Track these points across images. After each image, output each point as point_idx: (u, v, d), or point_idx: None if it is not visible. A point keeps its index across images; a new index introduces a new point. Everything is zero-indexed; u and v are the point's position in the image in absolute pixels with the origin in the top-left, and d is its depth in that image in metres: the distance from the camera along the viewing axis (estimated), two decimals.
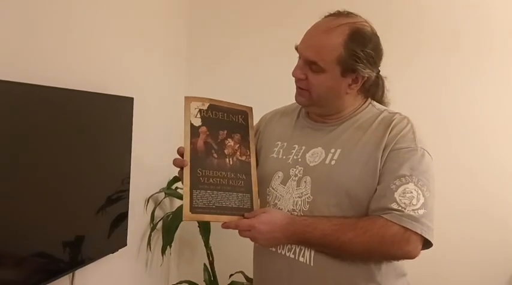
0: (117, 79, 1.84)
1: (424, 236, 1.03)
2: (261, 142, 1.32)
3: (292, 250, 1.14)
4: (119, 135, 1.72)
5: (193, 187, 1.12)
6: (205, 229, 2.09)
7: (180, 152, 1.15)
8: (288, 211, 1.15)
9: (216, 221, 1.13)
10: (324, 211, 1.11)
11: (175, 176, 2.26)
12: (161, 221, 2.17)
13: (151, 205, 2.16)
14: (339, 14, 1.14)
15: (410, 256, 1.06)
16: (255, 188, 1.19)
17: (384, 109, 1.20)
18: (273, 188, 1.21)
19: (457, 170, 2.29)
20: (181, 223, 2.08)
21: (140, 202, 2.09)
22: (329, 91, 1.14)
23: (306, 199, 1.13)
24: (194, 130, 1.16)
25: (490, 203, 2.28)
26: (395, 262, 1.15)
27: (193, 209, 1.10)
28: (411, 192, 1.04)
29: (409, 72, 2.31)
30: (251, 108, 1.27)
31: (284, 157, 1.22)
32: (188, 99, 1.19)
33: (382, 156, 1.09)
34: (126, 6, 1.90)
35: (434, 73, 2.33)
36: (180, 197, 2.19)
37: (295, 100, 1.21)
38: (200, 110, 1.18)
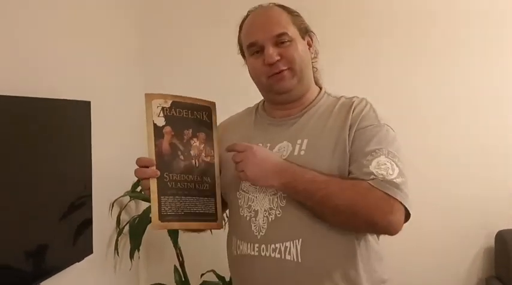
0: (73, 83, 1.79)
1: (404, 204, 1.00)
2: (222, 149, 1.21)
3: (277, 250, 1.08)
4: (78, 140, 1.68)
5: (160, 193, 1.05)
6: (173, 229, 2.07)
7: (141, 163, 1.08)
8: (265, 210, 1.11)
9: (185, 229, 1.06)
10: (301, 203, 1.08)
11: None
12: (127, 225, 2.13)
13: (116, 210, 2.12)
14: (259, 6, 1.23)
15: (392, 229, 1.01)
16: (218, 191, 1.14)
17: (341, 96, 1.21)
18: (243, 190, 1.15)
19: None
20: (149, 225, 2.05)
21: (105, 207, 2.04)
22: (304, 56, 1.16)
23: (282, 194, 1.09)
24: (158, 131, 1.08)
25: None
26: (375, 246, 1.14)
27: (162, 217, 1.04)
28: (385, 164, 1.03)
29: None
30: (214, 102, 1.19)
31: None
32: (149, 97, 1.10)
33: (348, 136, 1.09)
34: (76, 7, 1.84)
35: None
36: (146, 199, 2.15)
37: (278, 88, 1.16)
38: (163, 108, 1.10)
